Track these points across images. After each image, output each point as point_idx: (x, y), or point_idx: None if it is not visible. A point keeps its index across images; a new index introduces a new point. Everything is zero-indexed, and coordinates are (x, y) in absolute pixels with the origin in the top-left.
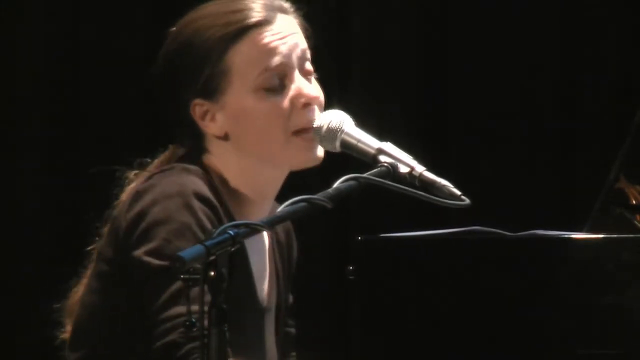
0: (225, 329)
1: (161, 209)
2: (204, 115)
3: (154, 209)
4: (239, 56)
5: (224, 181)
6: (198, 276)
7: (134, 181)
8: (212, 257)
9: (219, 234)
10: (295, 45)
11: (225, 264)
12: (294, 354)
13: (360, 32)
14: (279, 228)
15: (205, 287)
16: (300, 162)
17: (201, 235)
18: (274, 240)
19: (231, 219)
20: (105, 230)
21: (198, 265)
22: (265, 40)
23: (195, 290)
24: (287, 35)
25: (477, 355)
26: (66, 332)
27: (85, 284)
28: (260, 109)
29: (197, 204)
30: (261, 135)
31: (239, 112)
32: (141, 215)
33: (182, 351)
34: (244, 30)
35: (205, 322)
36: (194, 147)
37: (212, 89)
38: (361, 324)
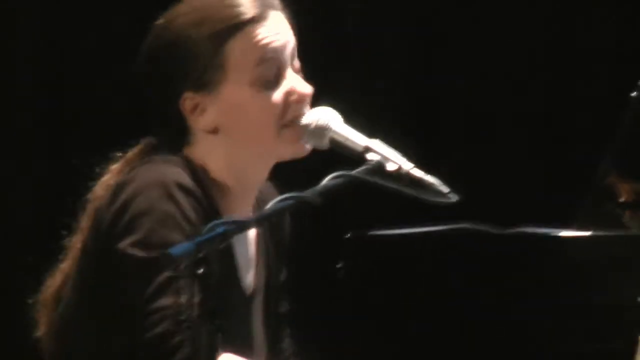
0: (215, 325)
1: (143, 200)
2: (193, 108)
3: (136, 200)
4: (235, 51)
5: (206, 172)
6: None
7: (107, 174)
8: (201, 254)
9: (208, 231)
10: (287, 42)
11: (213, 258)
12: (287, 331)
13: (351, 27)
14: None
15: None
16: (289, 153)
17: (185, 225)
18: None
19: (214, 209)
20: (85, 224)
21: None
22: (261, 37)
23: (183, 282)
24: (280, 31)
25: (469, 352)
26: (41, 328)
27: (66, 279)
28: (255, 103)
29: (179, 194)
30: (254, 128)
31: (233, 106)
32: (124, 207)
33: (172, 342)
34: (239, 25)
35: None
36: (172, 139)
37: (205, 83)
38: (351, 321)
